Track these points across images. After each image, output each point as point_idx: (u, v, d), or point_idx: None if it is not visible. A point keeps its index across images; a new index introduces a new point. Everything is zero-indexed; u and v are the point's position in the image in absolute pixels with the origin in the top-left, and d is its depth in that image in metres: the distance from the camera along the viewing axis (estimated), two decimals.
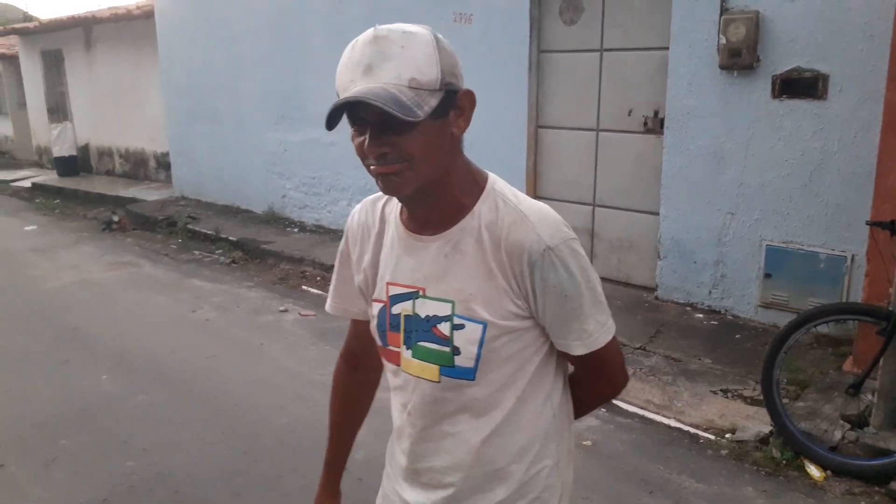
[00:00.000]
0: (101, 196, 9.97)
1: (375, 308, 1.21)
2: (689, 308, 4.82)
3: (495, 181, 1.13)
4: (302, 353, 4.45)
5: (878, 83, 3.74)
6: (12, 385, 4.00)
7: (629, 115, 5.05)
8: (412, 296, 1.14)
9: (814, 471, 2.99)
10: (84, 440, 3.38)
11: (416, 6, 5.97)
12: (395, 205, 1.19)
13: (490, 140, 5.41)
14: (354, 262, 1.26)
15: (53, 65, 12.70)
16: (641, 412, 3.55)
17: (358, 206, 1.26)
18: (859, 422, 3.15)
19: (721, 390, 3.71)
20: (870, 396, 3.17)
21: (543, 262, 1.04)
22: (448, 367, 1.11)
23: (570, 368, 1.22)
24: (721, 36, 4.30)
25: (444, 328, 1.10)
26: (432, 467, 1.19)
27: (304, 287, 5.87)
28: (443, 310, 1.10)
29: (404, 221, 1.16)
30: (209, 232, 7.49)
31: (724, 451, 3.21)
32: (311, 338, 4.70)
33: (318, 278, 6.00)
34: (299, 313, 5.19)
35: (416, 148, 1.00)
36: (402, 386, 1.19)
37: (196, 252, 7.10)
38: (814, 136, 4.15)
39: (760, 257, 4.46)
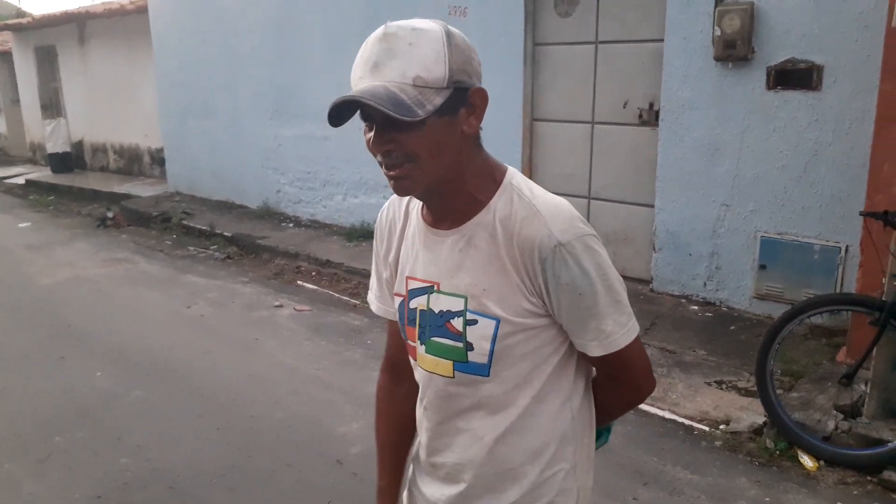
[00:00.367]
0: (96, 192, 9.92)
1: (396, 302, 1.20)
2: (683, 300, 4.83)
3: (513, 175, 1.11)
4: (297, 349, 4.45)
5: (873, 74, 3.74)
6: (7, 382, 4.00)
7: (624, 107, 5.04)
8: (427, 290, 1.13)
9: (807, 461, 3.00)
10: (79, 437, 3.37)
11: None
12: (418, 200, 1.18)
13: (485, 133, 5.25)
14: (382, 258, 1.25)
15: (47, 61, 12.63)
16: None
17: (386, 203, 1.26)
18: (852, 412, 3.17)
19: (715, 382, 3.72)
20: (863, 386, 3.18)
21: (555, 259, 1.01)
22: (462, 362, 1.09)
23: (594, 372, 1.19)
24: (716, 27, 4.29)
25: (458, 323, 1.08)
26: (445, 462, 1.18)
27: (299, 282, 5.85)
28: (456, 305, 1.09)
29: (424, 216, 1.15)
30: (204, 227, 7.48)
31: (717, 443, 3.22)
32: (307, 333, 4.70)
33: (313, 273, 5.99)
34: (294, 308, 5.18)
35: (420, 146, 0.99)
36: (420, 380, 1.19)
37: (191, 248, 7.08)
38: (808, 128, 4.15)
39: (755, 249, 4.46)
